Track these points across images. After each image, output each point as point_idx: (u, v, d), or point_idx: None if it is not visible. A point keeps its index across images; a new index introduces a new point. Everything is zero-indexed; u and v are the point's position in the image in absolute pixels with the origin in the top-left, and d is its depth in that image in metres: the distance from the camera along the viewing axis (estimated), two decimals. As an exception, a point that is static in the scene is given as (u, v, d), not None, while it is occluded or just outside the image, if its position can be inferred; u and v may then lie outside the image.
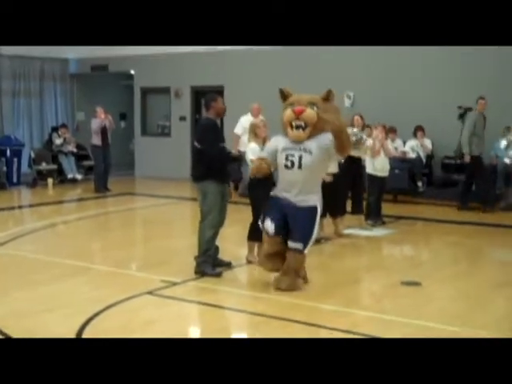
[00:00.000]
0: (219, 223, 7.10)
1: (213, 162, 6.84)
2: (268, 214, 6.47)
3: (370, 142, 9.72)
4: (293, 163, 6.31)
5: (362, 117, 9.94)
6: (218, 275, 6.99)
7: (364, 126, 9.94)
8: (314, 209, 6.37)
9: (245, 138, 9.88)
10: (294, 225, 6.34)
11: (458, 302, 6.28)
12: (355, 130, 9.44)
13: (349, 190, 9.69)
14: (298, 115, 6.27)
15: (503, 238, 9.78)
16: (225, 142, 7.15)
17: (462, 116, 11.98)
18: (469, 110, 11.84)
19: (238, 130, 12.19)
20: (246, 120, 11.49)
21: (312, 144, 6.30)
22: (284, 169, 6.40)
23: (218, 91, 12.81)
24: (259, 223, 6.70)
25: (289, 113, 6.33)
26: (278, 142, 6.51)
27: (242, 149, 10.62)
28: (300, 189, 6.33)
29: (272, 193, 6.60)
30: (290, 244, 6.36)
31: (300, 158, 6.28)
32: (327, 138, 6.34)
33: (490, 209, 11.40)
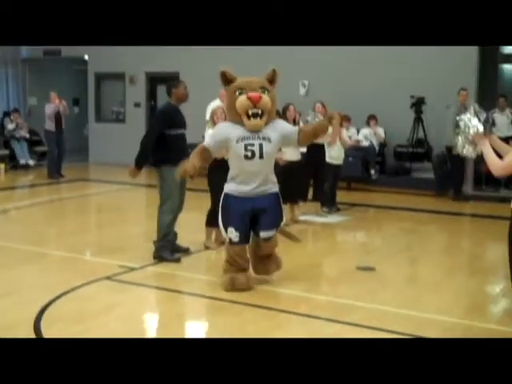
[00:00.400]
0: (178, 208, 7.13)
1: (144, 148, 6.92)
2: (230, 221, 6.02)
3: (330, 129, 9.81)
4: (253, 153, 5.92)
5: (323, 104, 10.01)
6: (177, 261, 7.02)
7: (325, 114, 9.98)
8: (277, 194, 6.23)
9: None
10: (263, 215, 6.05)
11: (412, 287, 6.47)
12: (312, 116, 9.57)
13: (311, 177, 9.80)
14: (255, 103, 5.86)
15: (455, 224, 10.07)
16: (185, 127, 7.17)
17: (414, 105, 12.24)
18: (420, 99, 12.11)
19: (208, 116, 12.07)
20: (215, 105, 11.43)
21: (269, 131, 5.99)
22: (244, 160, 5.95)
23: (174, 78, 12.75)
24: (223, 232, 6.17)
25: (244, 100, 5.87)
26: (228, 131, 6.02)
27: None
28: (261, 179, 6.03)
29: (227, 190, 6.10)
30: (263, 234, 6.08)
31: (261, 146, 5.94)
32: (290, 128, 6.27)
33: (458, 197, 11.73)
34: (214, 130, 6.42)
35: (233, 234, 6.01)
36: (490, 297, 6.17)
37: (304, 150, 9.58)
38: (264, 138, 5.97)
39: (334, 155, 10.03)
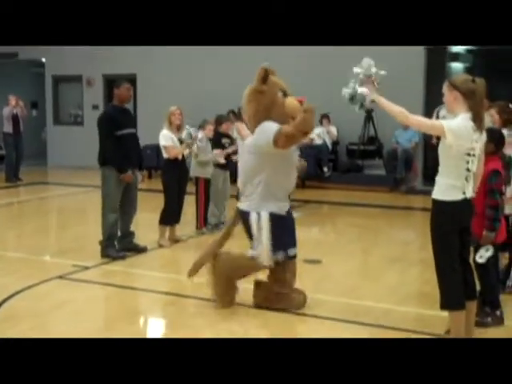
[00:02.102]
0: (129, 209, 7.33)
1: (104, 150, 7.10)
2: (284, 243, 5.44)
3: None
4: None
5: None
6: (123, 258, 7.22)
7: None
8: None
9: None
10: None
11: (354, 277, 6.77)
12: None
13: None
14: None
15: (403, 218, 10.45)
16: (132, 127, 7.38)
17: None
18: (371, 98, 12.44)
19: None
20: None
21: None
22: (294, 170, 5.55)
23: (130, 79, 12.92)
24: (267, 253, 5.33)
25: (297, 103, 5.37)
26: None
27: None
28: None
29: (275, 211, 5.36)
30: (294, 252, 5.64)
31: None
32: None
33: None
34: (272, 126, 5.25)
35: (281, 256, 5.42)
36: (426, 284, 6.47)
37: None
38: None
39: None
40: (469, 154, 4.38)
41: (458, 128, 4.32)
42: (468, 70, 14.26)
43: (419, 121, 4.54)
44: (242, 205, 5.51)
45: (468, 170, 4.40)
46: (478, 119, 4.34)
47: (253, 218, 5.34)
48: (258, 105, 5.34)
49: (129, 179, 7.12)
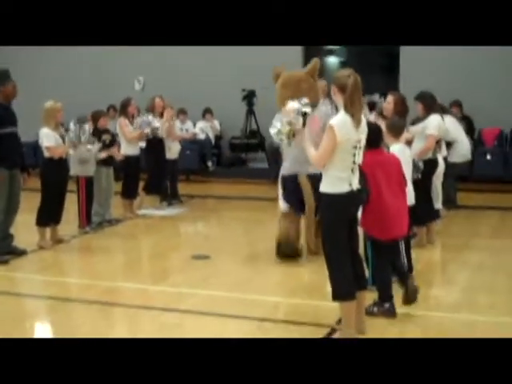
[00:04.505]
0: (10, 210, 6.98)
1: None
2: None
3: (157, 123, 9.83)
4: None
5: (162, 98, 10.06)
6: (5, 262, 6.91)
7: (164, 108, 10.06)
8: None
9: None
10: None
11: (242, 271, 6.75)
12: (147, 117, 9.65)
13: (152, 171, 9.85)
14: None
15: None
16: (14, 125, 7.01)
17: (245, 98, 12.70)
18: (251, 92, 12.58)
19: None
20: None
21: None
22: None
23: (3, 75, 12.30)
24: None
25: None
26: None
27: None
28: None
29: None
30: None
31: None
32: None
33: None
34: None
35: None
36: (315, 275, 6.60)
37: (143, 144, 9.70)
38: None
39: (171, 150, 10.19)
40: (355, 147, 4.47)
41: (341, 124, 4.41)
42: (343, 65, 14.72)
43: (324, 149, 4.46)
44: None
45: (354, 162, 4.49)
46: (351, 113, 4.43)
47: None
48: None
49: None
